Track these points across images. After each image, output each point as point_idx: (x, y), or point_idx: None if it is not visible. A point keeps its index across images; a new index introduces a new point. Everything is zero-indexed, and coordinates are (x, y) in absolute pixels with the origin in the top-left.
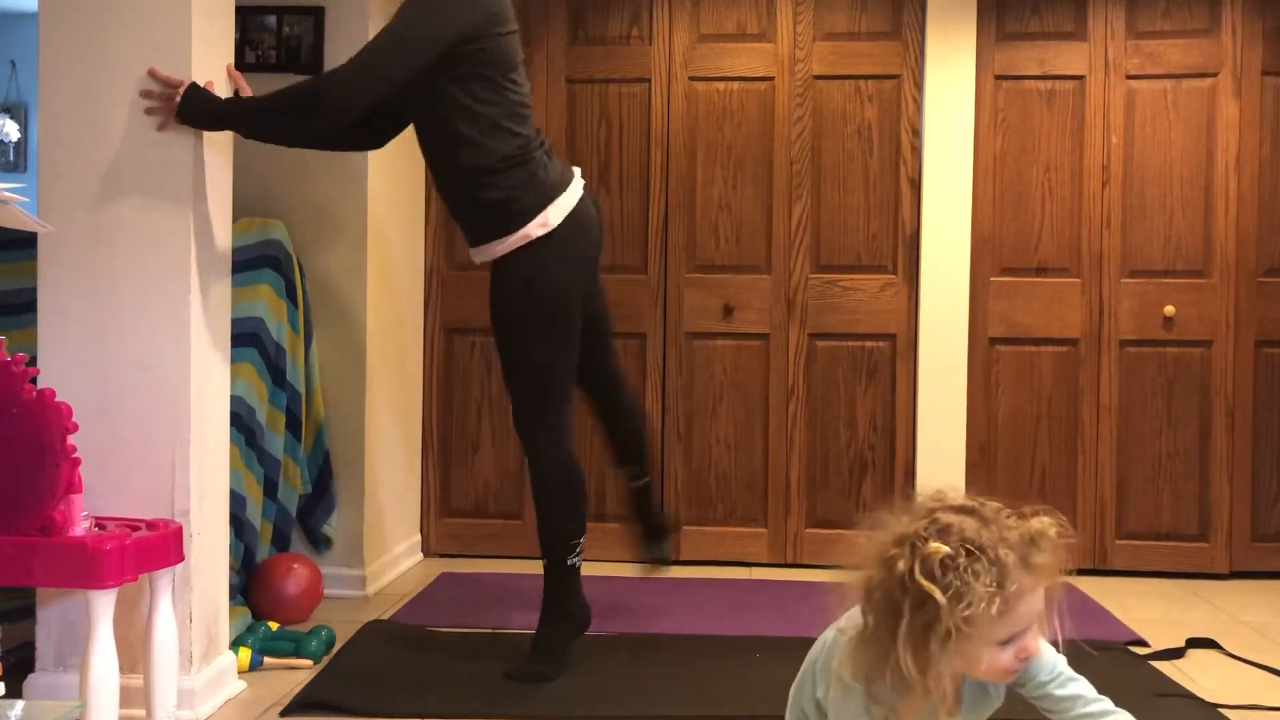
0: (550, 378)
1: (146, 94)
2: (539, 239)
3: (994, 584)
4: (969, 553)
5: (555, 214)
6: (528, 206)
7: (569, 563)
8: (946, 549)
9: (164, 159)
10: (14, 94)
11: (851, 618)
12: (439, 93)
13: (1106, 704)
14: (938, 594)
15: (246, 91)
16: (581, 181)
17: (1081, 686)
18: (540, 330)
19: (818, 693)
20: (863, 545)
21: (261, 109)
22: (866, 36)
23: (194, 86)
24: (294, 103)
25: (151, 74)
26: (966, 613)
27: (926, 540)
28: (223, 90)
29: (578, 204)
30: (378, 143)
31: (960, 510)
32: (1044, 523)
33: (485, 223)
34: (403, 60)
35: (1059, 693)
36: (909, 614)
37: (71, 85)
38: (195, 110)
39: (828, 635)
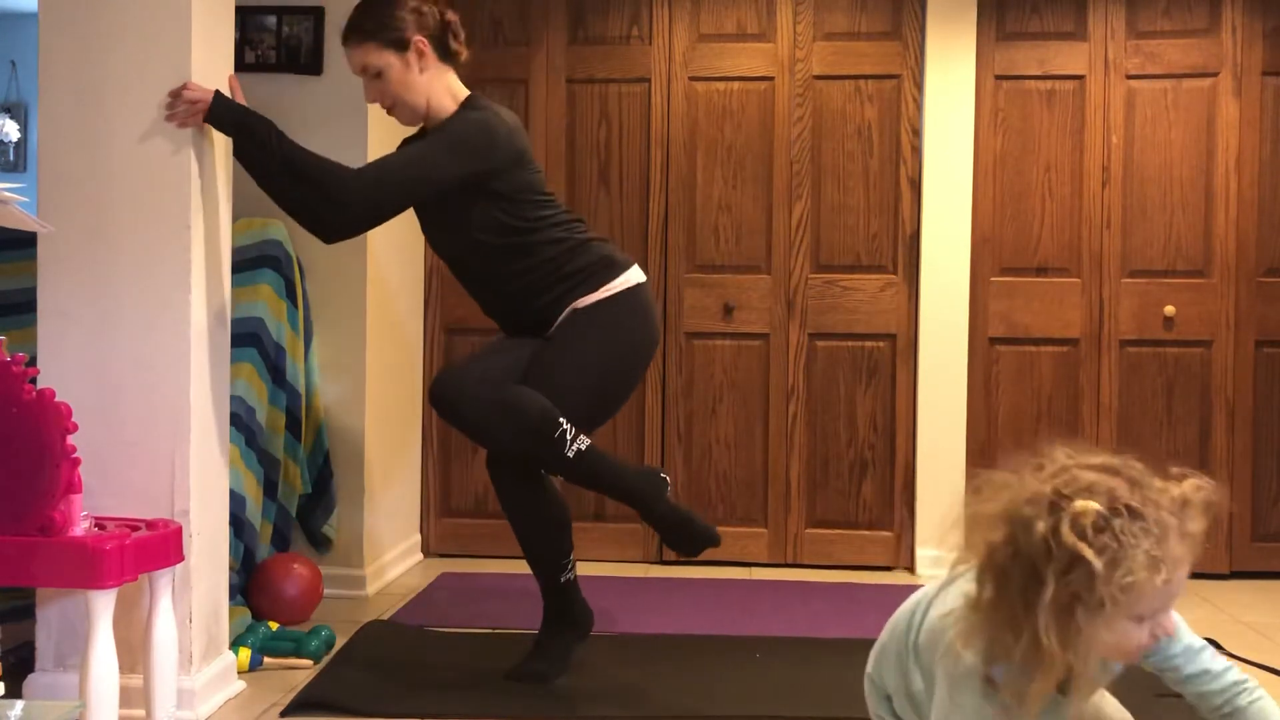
0: (585, 427)
1: (168, 105)
2: (633, 287)
3: (1155, 550)
4: (1129, 512)
5: (638, 276)
6: (621, 261)
7: (563, 580)
8: (1098, 507)
9: (164, 159)
10: (14, 94)
11: (946, 595)
12: (489, 220)
13: (1235, 672)
14: (1092, 557)
15: (242, 101)
16: (640, 273)
17: (1209, 659)
18: (610, 378)
19: (913, 685)
20: (976, 508)
21: (285, 148)
22: (866, 36)
23: (221, 95)
24: (310, 171)
25: (187, 89)
26: (1127, 579)
27: (1070, 498)
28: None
29: (640, 283)
30: (339, 237)
31: (1103, 469)
32: (1192, 485)
33: (578, 285)
34: (419, 186)
35: (1190, 669)
36: (1053, 581)
37: (71, 85)
38: (225, 114)
39: (912, 618)
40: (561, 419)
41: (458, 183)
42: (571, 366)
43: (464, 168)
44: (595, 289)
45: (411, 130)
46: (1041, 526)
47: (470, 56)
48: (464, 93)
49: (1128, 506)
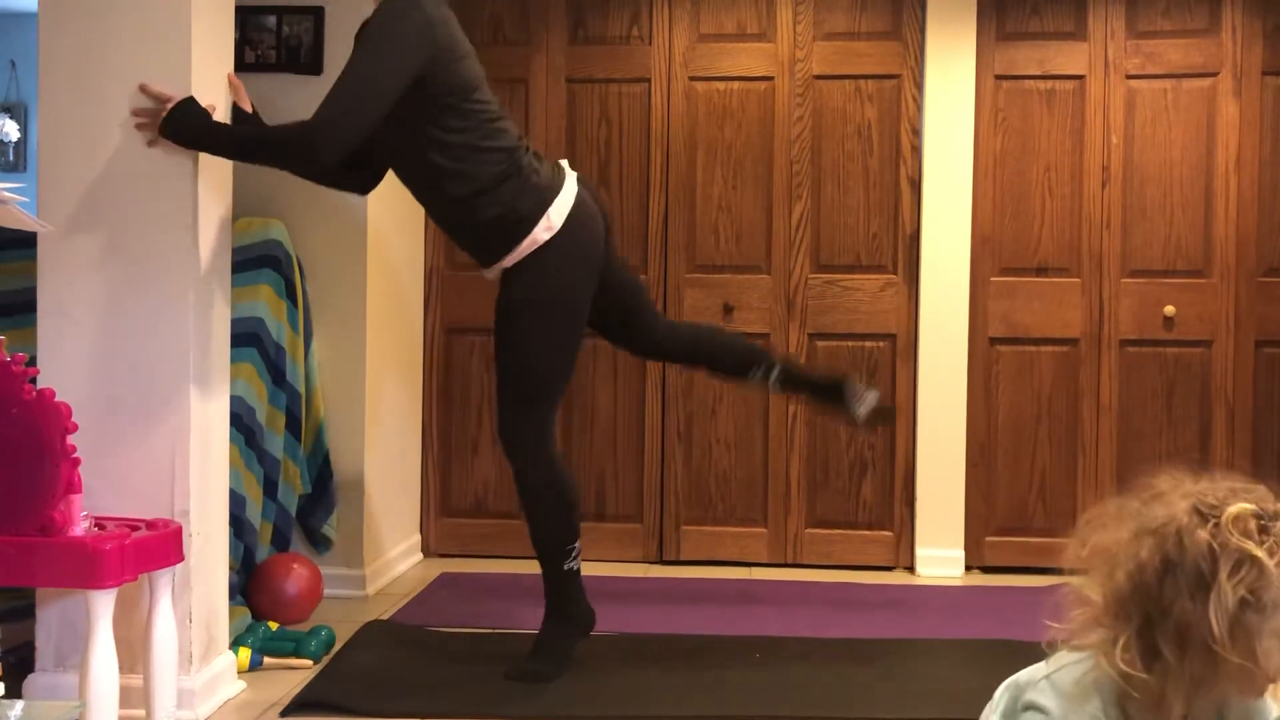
0: (549, 384)
1: (138, 111)
2: (547, 243)
3: None
4: None
5: (557, 215)
6: (528, 214)
7: (565, 568)
8: (1254, 508)
9: (164, 159)
10: (14, 94)
11: (1055, 667)
12: (410, 132)
13: None
14: (1264, 555)
15: (244, 101)
16: (573, 175)
17: None
18: (550, 337)
19: None
20: (1099, 537)
21: (243, 149)
22: (866, 36)
23: (186, 102)
24: (271, 150)
25: (143, 89)
26: None
27: (1217, 507)
28: (222, 98)
29: (575, 199)
30: (366, 188)
31: (1228, 486)
32: None
33: (491, 241)
34: (372, 105)
35: None
36: (1225, 582)
37: (71, 85)
38: (179, 128)
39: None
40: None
41: (405, 77)
42: (509, 369)
43: (402, 58)
44: (506, 250)
45: None
46: (1202, 533)
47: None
48: None
49: (1276, 511)
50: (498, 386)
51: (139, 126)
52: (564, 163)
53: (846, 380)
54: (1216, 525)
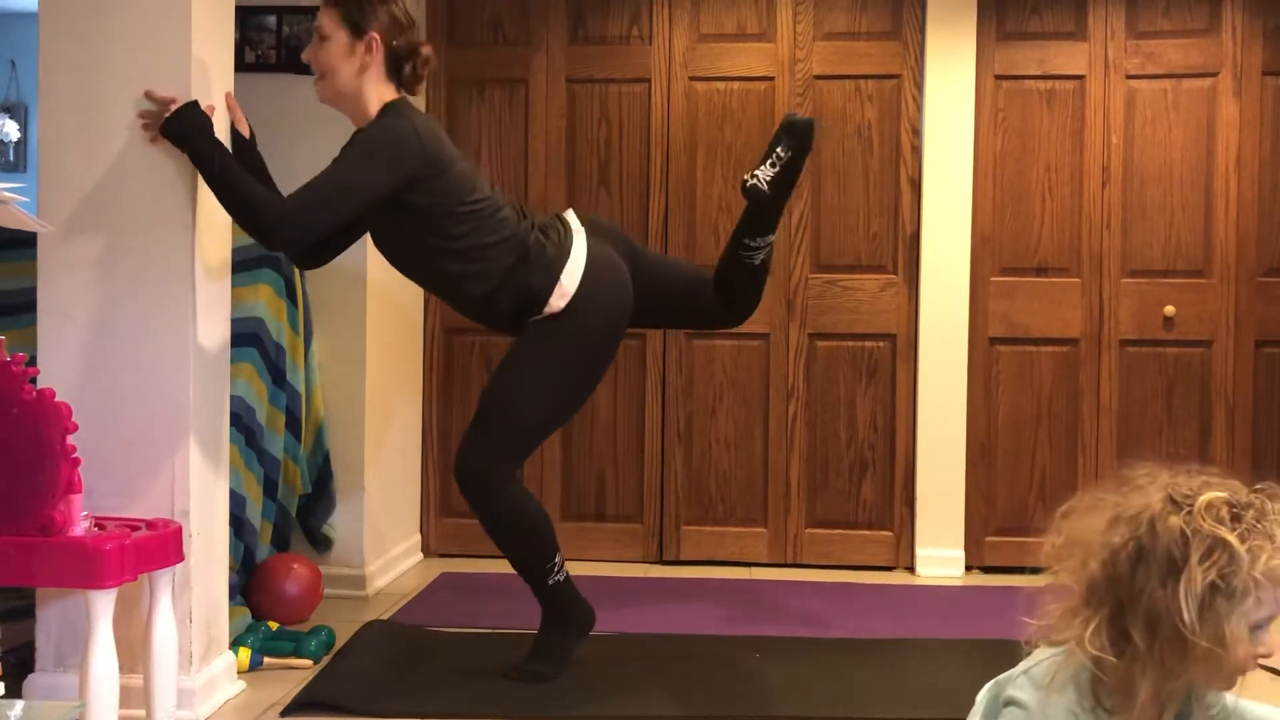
0: (530, 439)
1: (145, 114)
2: (563, 309)
3: None
4: (1253, 505)
5: (569, 282)
6: (540, 289)
7: (551, 582)
8: (1227, 496)
9: (164, 159)
10: (14, 94)
11: (1036, 664)
12: (419, 244)
13: None
14: (1235, 540)
15: (242, 124)
16: (580, 230)
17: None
18: (548, 397)
19: None
20: (1074, 523)
21: (225, 187)
22: (866, 36)
23: (189, 107)
24: (243, 211)
25: (148, 95)
26: (1272, 563)
27: (1190, 496)
28: (221, 115)
29: (586, 258)
30: (320, 263)
31: (1201, 479)
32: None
33: (512, 316)
34: (344, 202)
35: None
36: (1195, 566)
37: (71, 85)
38: (178, 133)
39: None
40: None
41: (377, 192)
42: (507, 402)
43: (378, 177)
44: (537, 311)
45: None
46: (1174, 520)
47: (473, 56)
48: (390, 98)
49: (1249, 501)
50: (475, 418)
51: (145, 128)
52: (569, 215)
53: (796, 127)
54: (1189, 513)
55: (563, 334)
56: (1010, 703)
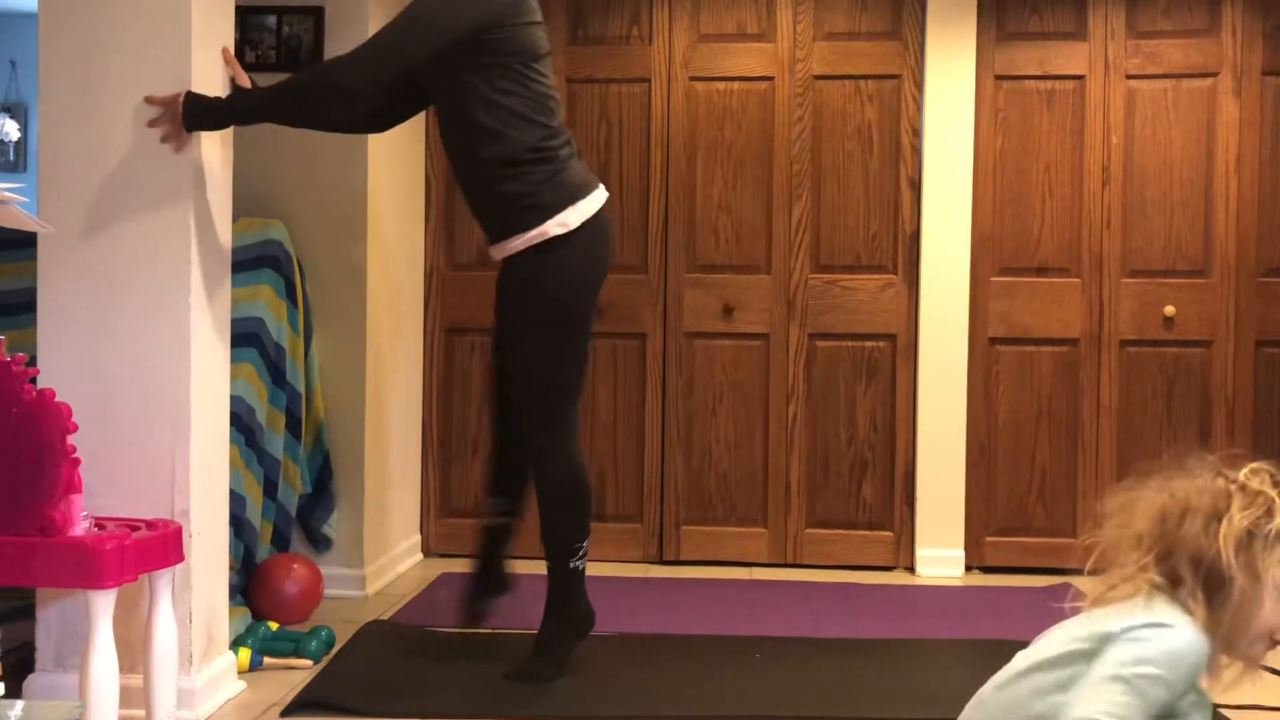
0: (555, 379)
1: (153, 123)
2: (555, 238)
3: None
4: None
5: (575, 216)
6: (548, 204)
7: (572, 566)
8: (1270, 467)
9: (164, 159)
10: (14, 94)
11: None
12: (460, 82)
13: None
14: (1275, 494)
15: (242, 77)
16: (605, 194)
17: None
18: (549, 330)
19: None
20: (1126, 497)
21: (271, 97)
22: (866, 36)
23: (191, 95)
24: (304, 90)
25: (149, 100)
26: None
27: (1239, 471)
28: (219, 78)
29: (597, 212)
30: (386, 126)
31: (1248, 465)
32: None
33: (503, 217)
34: (415, 47)
35: None
36: (1237, 512)
37: (71, 85)
38: (201, 116)
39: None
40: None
41: (451, 37)
42: (527, 358)
43: (453, 20)
44: (518, 231)
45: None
46: (1220, 481)
47: None
48: None
49: None
50: (514, 393)
51: (164, 139)
52: (599, 182)
53: (501, 593)
54: (1235, 479)
55: (546, 271)
56: (1143, 662)
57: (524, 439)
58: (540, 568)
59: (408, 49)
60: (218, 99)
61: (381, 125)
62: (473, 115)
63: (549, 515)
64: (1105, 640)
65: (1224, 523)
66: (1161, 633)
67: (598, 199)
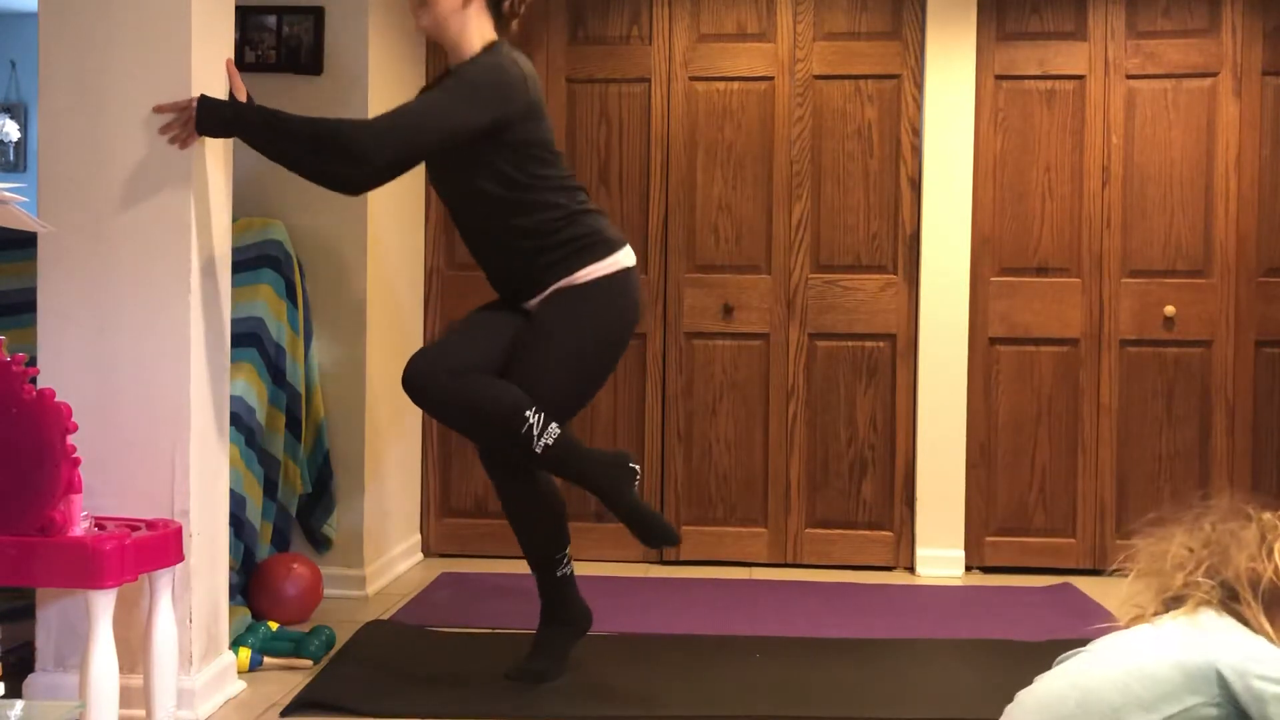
0: (565, 406)
1: (165, 129)
2: (617, 274)
3: None
4: None
5: (627, 258)
6: (614, 240)
7: (559, 574)
8: None
9: (164, 159)
10: (14, 94)
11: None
12: (496, 172)
13: None
14: None
15: (241, 91)
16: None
17: None
18: (595, 362)
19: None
20: (1153, 562)
21: (286, 129)
22: (866, 36)
23: (206, 99)
24: (321, 138)
25: (159, 109)
26: None
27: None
28: (220, 79)
29: (633, 264)
30: (374, 187)
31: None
32: None
33: (573, 254)
34: (442, 134)
35: None
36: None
37: (71, 85)
38: (215, 120)
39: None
40: (529, 413)
41: (473, 132)
42: (552, 356)
43: (478, 116)
44: (581, 266)
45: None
46: (1268, 516)
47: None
48: (491, 38)
49: None
50: None
51: (174, 140)
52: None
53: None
54: (1261, 519)
55: (592, 300)
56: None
57: (499, 452)
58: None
59: (431, 138)
60: (233, 106)
61: (371, 187)
62: (520, 198)
63: (527, 536)
64: (1221, 676)
65: (1276, 549)
66: None
67: (629, 255)
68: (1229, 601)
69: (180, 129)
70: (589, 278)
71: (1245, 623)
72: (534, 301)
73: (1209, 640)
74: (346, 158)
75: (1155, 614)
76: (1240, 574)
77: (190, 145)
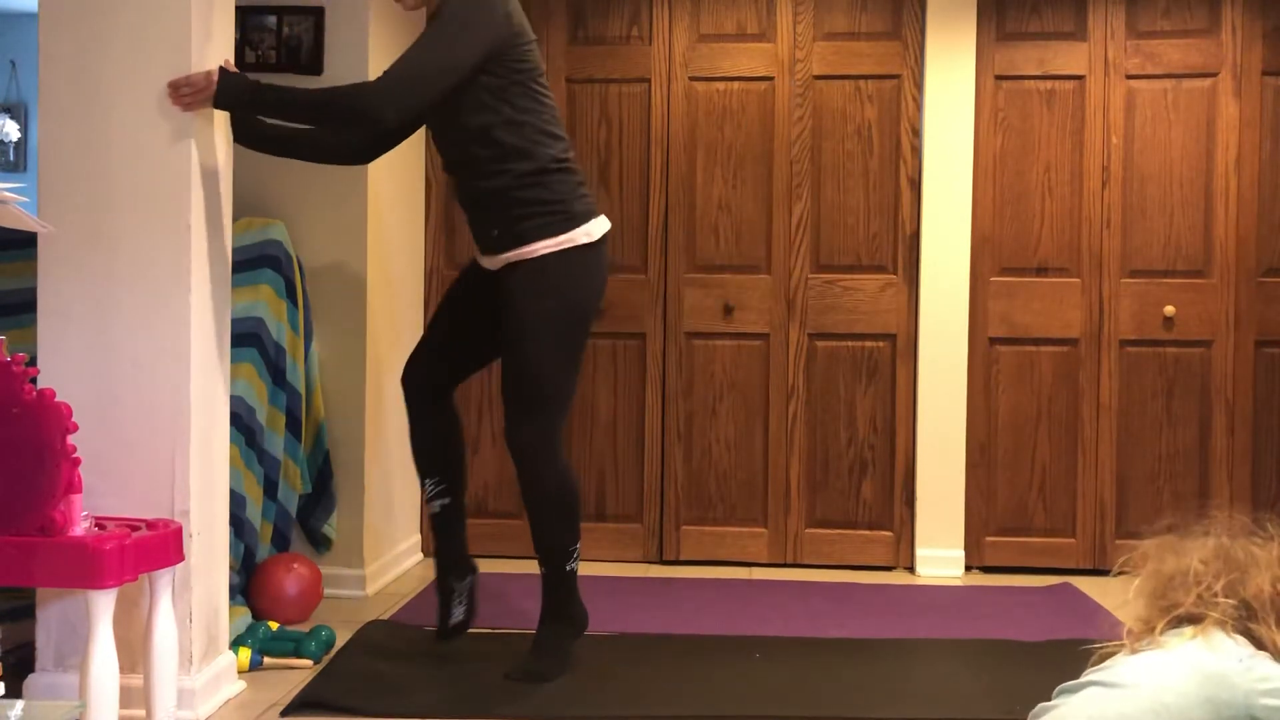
0: (556, 383)
1: (175, 92)
2: (579, 248)
3: None
4: None
5: (598, 229)
6: (579, 213)
7: (567, 569)
8: None
9: (164, 159)
10: (14, 94)
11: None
12: (479, 105)
13: None
14: None
15: None
16: (606, 224)
17: None
18: (562, 334)
19: None
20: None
21: (300, 101)
22: (866, 36)
23: (227, 71)
24: (332, 105)
25: (176, 83)
26: None
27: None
28: None
29: (603, 237)
30: (375, 156)
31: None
32: None
33: (529, 223)
34: (445, 74)
35: None
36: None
37: (71, 85)
38: (233, 93)
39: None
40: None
41: (472, 65)
42: (532, 358)
43: (473, 48)
44: (547, 235)
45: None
46: (1275, 544)
47: None
48: None
49: None
50: (503, 390)
51: (186, 107)
52: None
53: (468, 585)
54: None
55: (569, 277)
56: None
57: (509, 439)
58: (532, 566)
59: (437, 77)
60: (252, 84)
61: (373, 155)
62: (497, 136)
63: (543, 523)
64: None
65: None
66: None
67: (603, 226)
68: (1245, 621)
69: (192, 98)
70: (549, 251)
71: (1259, 642)
72: (496, 261)
73: (1231, 668)
74: (361, 119)
75: (1162, 631)
76: (1262, 594)
77: (194, 109)
